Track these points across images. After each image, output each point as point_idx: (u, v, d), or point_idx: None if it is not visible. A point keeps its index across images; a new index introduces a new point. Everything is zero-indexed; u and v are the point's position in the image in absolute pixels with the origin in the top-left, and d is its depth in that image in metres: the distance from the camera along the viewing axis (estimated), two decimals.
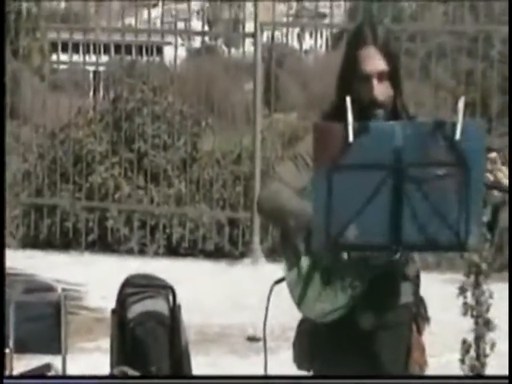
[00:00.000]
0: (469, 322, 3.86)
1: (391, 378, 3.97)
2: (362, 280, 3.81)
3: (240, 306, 9.02)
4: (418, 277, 3.94)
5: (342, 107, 3.64)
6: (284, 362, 4.01)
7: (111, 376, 4.53)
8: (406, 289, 3.90)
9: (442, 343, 4.08)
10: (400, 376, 3.96)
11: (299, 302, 3.90)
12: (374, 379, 3.96)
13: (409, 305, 3.91)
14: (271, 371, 4.07)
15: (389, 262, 3.75)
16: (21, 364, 5.12)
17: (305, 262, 3.88)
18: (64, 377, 4.65)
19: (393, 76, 3.90)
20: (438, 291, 4.13)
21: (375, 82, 3.86)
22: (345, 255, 3.76)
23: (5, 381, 4.18)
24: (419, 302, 3.96)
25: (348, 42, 4.03)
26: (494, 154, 3.74)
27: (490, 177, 3.71)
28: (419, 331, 3.95)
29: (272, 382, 4.07)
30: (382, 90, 3.87)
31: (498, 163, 3.74)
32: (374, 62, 3.87)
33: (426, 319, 3.99)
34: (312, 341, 3.98)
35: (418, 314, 3.95)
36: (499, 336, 3.97)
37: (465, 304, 3.86)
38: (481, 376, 4.04)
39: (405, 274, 3.89)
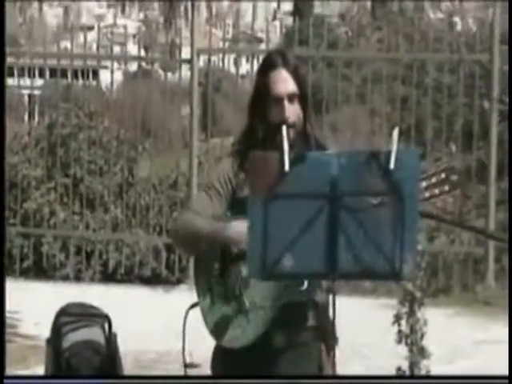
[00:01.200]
0: (403, 350, 3.91)
1: (391, 378, 4.01)
2: (273, 307, 3.86)
3: (177, 332, 8.99)
4: (327, 302, 3.94)
5: (254, 129, 3.86)
6: None
7: (112, 376, 4.51)
8: (314, 313, 3.95)
9: (377, 367, 4.10)
10: (400, 376, 4.02)
11: (210, 328, 3.96)
12: (373, 379, 3.99)
13: (316, 327, 3.95)
14: None
15: (298, 291, 3.80)
16: None
17: (217, 288, 3.92)
18: (64, 377, 4.58)
19: (302, 98, 3.97)
20: (374, 316, 4.16)
21: (286, 103, 3.92)
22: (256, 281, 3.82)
23: (5, 381, 4.21)
24: (328, 324, 3.96)
25: (260, 66, 4.09)
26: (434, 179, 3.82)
27: (432, 206, 3.77)
28: (328, 351, 3.97)
29: (272, 382, 4.09)
30: (292, 111, 3.93)
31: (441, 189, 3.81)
32: (284, 84, 3.94)
33: (335, 339, 4.03)
34: (224, 367, 4.03)
35: (327, 335, 3.99)
36: (434, 362, 4.00)
37: (399, 332, 3.90)
38: (481, 376, 4.24)
39: (313, 300, 3.93)
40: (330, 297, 3.90)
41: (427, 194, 3.87)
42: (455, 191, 3.91)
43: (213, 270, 3.93)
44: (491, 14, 12.15)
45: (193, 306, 4.01)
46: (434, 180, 3.87)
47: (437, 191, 3.87)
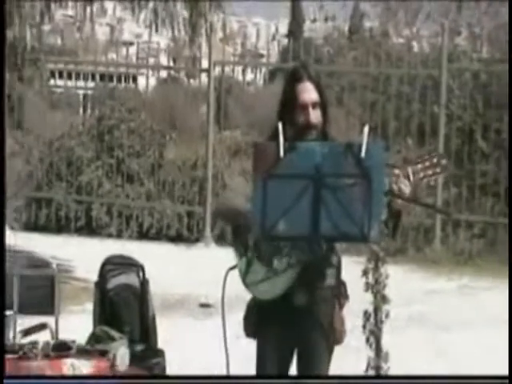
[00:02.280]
0: (369, 297, 3.88)
1: (391, 378, 3.93)
2: (296, 266, 3.80)
3: (195, 279, 9.00)
4: (339, 263, 3.93)
5: (282, 130, 3.66)
6: (232, 324, 3.99)
7: (112, 376, 4.28)
8: (330, 273, 3.89)
9: (350, 310, 4.07)
10: (400, 376, 3.89)
11: (247, 284, 3.89)
12: (374, 379, 3.94)
13: (332, 286, 3.89)
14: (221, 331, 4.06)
15: (316, 253, 3.77)
16: (24, 323, 5.07)
17: (251, 252, 3.86)
18: (64, 377, 4.29)
19: (322, 105, 3.91)
20: (347, 271, 4.12)
21: (310, 109, 3.86)
22: (284, 247, 3.79)
23: (5, 381, 3.90)
24: (341, 284, 3.94)
25: (287, 79, 4.02)
26: (397, 171, 3.77)
27: (395, 187, 3.74)
28: (341, 307, 3.93)
29: (272, 382, 3.96)
30: (315, 116, 3.87)
31: (401, 177, 3.77)
32: (309, 94, 3.87)
33: (346, 298, 3.99)
34: (256, 314, 3.95)
35: (340, 294, 3.94)
36: (393, 306, 3.97)
37: (366, 283, 3.87)
38: (481, 376, 4.09)
39: (329, 262, 3.88)
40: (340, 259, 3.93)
41: (422, 174, 3.83)
42: (444, 173, 3.89)
43: (248, 238, 3.87)
44: (440, 40, 12.11)
45: (232, 267, 3.92)
46: (427, 164, 3.84)
47: (430, 172, 3.84)
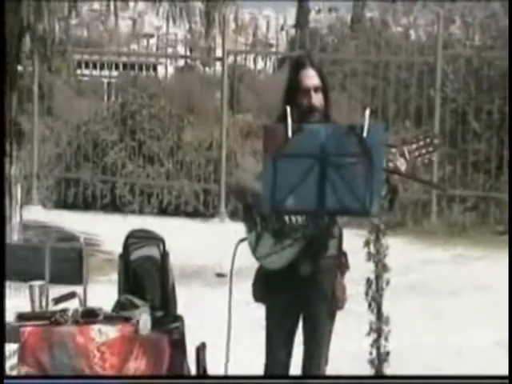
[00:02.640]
0: (371, 266, 3.88)
1: (391, 378, 3.89)
2: (301, 239, 3.81)
3: (210, 251, 9.01)
4: (341, 235, 3.94)
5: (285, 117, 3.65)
6: (241, 291, 4.00)
7: (111, 376, 4.23)
8: (332, 245, 3.89)
9: (352, 278, 4.07)
10: (400, 376, 3.88)
11: (256, 255, 3.90)
12: (374, 379, 3.90)
13: (334, 256, 3.89)
14: (233, 297, 4.07)
15: (319, 227, 3.77)
16: (54, 292, 5.08)
17: (260, 227, 3.87)
18: (65, 377, 4.18)
19: (324, 89, 3.91)
20: (350, 242, 4.12)
21: (312, 93, 3.87)
22: (289, 222, 3.79)
23: (5, 381, 3.72)
24: (342, 254, 3.95)
25: (292, 65, 4.04)
26: (393, 150, 3.78)
27: (391, 165, 3.74)
28: (342, 275, 3.94)
29: (272, 382, 3.87)
30: (317, 100, 3.87)
31: (397, 155, 3.78)
32: (311, 79, 3.88)
33: (347, 267, 4.00)
34: (265, 282, 3.96)
35: (341, 263, 3.95)
36: (392, 275, 3.97)
37: (368, 253, 3.87)
38: (481, 376, 4.01)
39: (331, 234, 3.88)
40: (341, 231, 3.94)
41: (417, 153, 3.84)
42: (437, 151, 3.90)
43: (257, 214, 3.88)
44: (436, 28, 12.05)
45: (242, 240, 3.94)
46: (421, 143, 3.84)
47: (424, 151, 3.84)
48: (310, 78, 3.87)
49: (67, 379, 4.05)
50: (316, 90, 3.87)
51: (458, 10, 15.42)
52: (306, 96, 3.86)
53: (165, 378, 4.29)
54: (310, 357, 3.96)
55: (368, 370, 3.86)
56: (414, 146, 3.85)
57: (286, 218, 3.82)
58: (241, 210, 4.09)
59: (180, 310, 4.84)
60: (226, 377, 3.84)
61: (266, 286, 3.96)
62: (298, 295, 3.90)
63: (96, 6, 10.23)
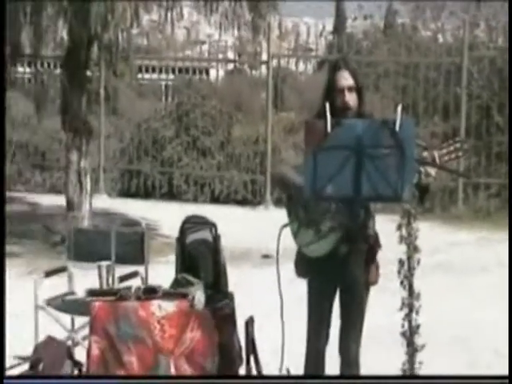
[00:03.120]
0: (403, 247, 3.85)
1: (391, 378, 3.75)
2: (338, 228, 3.81)
3: (257, 235, 9.03)
4: (373, 219, 3.93)
5: (325, 110, 3.62)
6: (285, 270, 4.00)
7: (111, 377, 4.03)
8: (365, 228, 3.88)
9: (386, 258, 4.05)
10: (400, 376, 3.76)
11: (298, 243, 3.92)
12: (373, 379, 3.76)
13: (368, 238, 3.89)
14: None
15: (355, 214, 3.75)
16: (118, 272, 5.13)
17: (302, 217, 3.87)
18: (65, 377, 3.96)
19: (358, 89, 3.90)
20: (384, 227, 4.10)
21: (347, 93, 3.86)
22: (328, 212, 3.77)
23: (5, 381, 3.48)
24: (375, 236, 3.95)
25: (329, 68, 4.09)
26: (425, 153, 3.79)
27: (423, 170, 3.73)
28: (375, 255, 3.94)
29: (273, 382, 3.72)
30: (351, 98, 3.87)
31: (428, 158, 3.78)
32: (346, 80, 3.88)
33: (379, 246, 3.99)
34: (305, 261, 3.97)
35: (375, 244, 3.94)
36: (422, 255, 3.93)
37: (400, 236, 3.83)
38: (481, 376, 3.97)
39: (365, 220, 3.87)
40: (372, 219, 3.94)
41: (446, 158, 3.82)
42: (465, 155, 3.88)
43: (298, 206, 3.88)
44: (462, 32, 11.93)
45: (285, 225, 3.94)
46: (451, 148, 3.82)
47: (453, 156, 3.83)
48: (345, 79, 3.87)
49: (67, 379, 3.83)
50: (350, 89, 3.86)
51: (483, 15, 15.20)
52: (341, 95, 3.85)
53: (166, 378, 4.13)
54: (346, 329, 3.96)
55: (400, 342, 3.83)
56: (445, 150, 3.82)
57: (325, 208, 3.81)
58: (284, 198, 4.10)
59: (230, 288, 4.86)
60: (227, 377, 3.69)
61: (307, 265, 3.96)
62: (335, 273, 3.90)
63: (155, 16, 10.26)
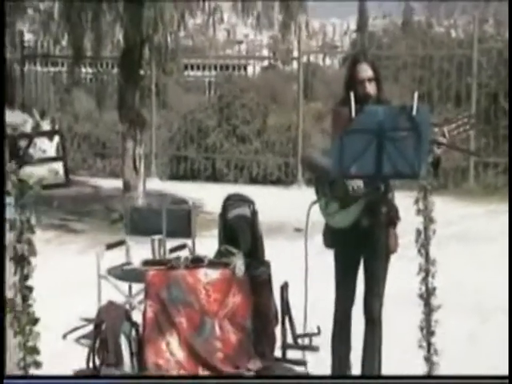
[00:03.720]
0: (420, 219, 3.80)
1: (391, 378, 3.50)
2: (360, 203, 3.81)
3: (290, 211, 9.00)
4: (393, 195, 3.91)
5: (347, 98, 3.58)
6: (316, 242, 3.99)
7: (111, 376, 3.76)
8: (386, 203, 3.81)
9: (403, 229, 4.00)
10: (401, 376, 3.56)
11: (325, 216, 3.91)
12: (373, 379, 3.56)
13: (388, 211, 3.83)
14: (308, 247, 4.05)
15: (376, 191, 3.72)
16: (169, 245, 5.14)
17: (328, 193, 3.87)
18: (65, 377, 3.58)
19: (377, 80, 3.87)
20: (402, 201, 4.05)
21: (367, 83, 3.82)
22: (352, 190, 3.76)
23: (5, 381, 3.20)
24: (395, 209, 3.93)
25: (350, 61, 4.00)
26: (436, 129, 3.75)
27: (439, 133, 3.70)
28: (394, 226, 3.92)
29: (274, 382, 3.38)
30: (371, 88, 3.83)
31: (438, 134, 3.73)
32: (366, 72, 3.84)
33: (398, 218, 3.95)
34: (332, 233, 3.97)
35: (394, 216, 3.92)
36: (437, 226, 3.87)
37: (418, 209, 3.78)
38: (481, 376, 3.61)
39: (386, 195, 3.80)
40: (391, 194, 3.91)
41: (455, 132, 3.76)
42: (473, 129, 3.84)
43: (326, 185, 3.88)
44: (472, 27, 11.74)
45: (314, 202, 3.94)
46: (460, 122, 3.76)
47: (461, 129, 3.77)
48: (365, 70, 3.83)
49: (67, 379, 3.49)
50: (370, 80, 3.83)
51: (491, 11, 14.94)
52: (362, 85, 3.82)
53: (166, 378, 3.85)
54: (369, 292, 3.95)
55: (418, 303, 3.79)
56: (454, 125, 3.76)
57: (349, 186, 3.78)
58: (313, 178, 4.09)
59: (267, 257, 4.85)
60: (228, 377, 3.43)
61: (333, 236, 3.95)
62: (358, 242, 3.88)
63: (198, 20, 10.27)
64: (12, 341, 3.28)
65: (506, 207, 9.43)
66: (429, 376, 3.50)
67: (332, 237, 3.96)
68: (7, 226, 3.30)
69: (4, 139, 3.18)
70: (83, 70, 13.36)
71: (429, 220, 3.71)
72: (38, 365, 3.32)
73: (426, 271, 3.74)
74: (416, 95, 3.39)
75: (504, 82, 11.54)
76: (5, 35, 7.85)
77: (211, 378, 3.61)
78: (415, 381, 3.33)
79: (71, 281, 6.27)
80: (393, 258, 3.91)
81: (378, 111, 3.45)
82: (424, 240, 3.72)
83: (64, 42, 9.69)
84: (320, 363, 4.35)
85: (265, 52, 18.09)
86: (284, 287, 4.67)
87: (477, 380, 3.34)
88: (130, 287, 5.15)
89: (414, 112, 3.36)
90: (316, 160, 3.95)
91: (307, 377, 3.42)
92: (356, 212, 3.82)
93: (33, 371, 3.30)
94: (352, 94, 3.47)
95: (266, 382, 3.28)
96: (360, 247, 3.91)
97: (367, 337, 3.95)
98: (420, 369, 3.71)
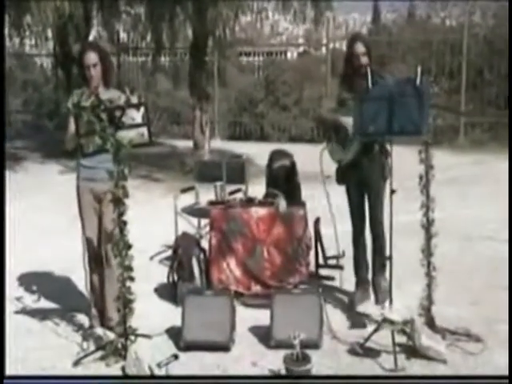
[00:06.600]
0: (422, 167, 3.65)
1: (391, 378, 2.80)
2: (359, 145, 3.81)
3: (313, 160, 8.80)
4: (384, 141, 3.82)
5: (346, 73, 3.81)
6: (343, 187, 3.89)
7: (111, 377, 2.95)
8: (381, 146, 3.86)
9: (410, 175, 3.84)
10: (400, 376, 2.83)
11: (332, 157, 4.00)
12: (373, 379, 2.81)
13: (382, 151, 3.87)
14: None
15: (373, 137, 3.63)
16: (228, 189, 5.06)
17: (333, 139, 3.93)
18: (65, 377, 2.88)
19: (368, 54, 3.83)
20: (409, 154, 3.87)
21: (361, 57, 3.80)
22: (351, 135, 3.74)
23: (5, 381, 2.61)
24: (386, 150, 3.87)
25: (349, 40, 3.92)
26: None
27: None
28: (387, 159, 3.85)
29: (274, 382, 2.67)
30: (364, 60, 3.81)
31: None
32: (360, 48, 3.82)
33: (389, 155, 3.81)
34: (341, 171, 4.04)
35: (387, 154, 3.84)
36: (435, 172, 3.70)
37: (420, 159, 3.64)
38: (481, 376, 2.86)
39: (381, 142, 3.83)
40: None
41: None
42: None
43: (333, 133, 3.92)
44: (463, 18, 11.25)
45: (324, 149, 3.99)
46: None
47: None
48: (360, 47, 3.82)
49: (68, 379, 2.80)
50: (363, 54, 3.81)
51: (478, 4, 14.26)
52: (357, 58, 3.81)
53: (166, 378, 2.94)
54: (372, 217, 3.97)
55: (420, 231, 3.66)
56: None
57: (348, 133, 3.80)
58: (323, 134, 4.20)
59: (303, 198, 4.77)
60: (228, 377, 2.70)
61: (341, 172, 4.02)
62: (361, 177, 3.94)
63: (249, 18, 10.14)
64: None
65: (489, 158, 9.19)
66: (429, 376, 2.85)
67: (340, 173, 4.02)
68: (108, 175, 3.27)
69: (4, 139, 3.00)
70: (162, 58, 13.28)
71: (429, 166, 3.59)
72: (131, 279, 3.32)
73: (427, 207, 3.63)
74: (419, 70, 3.31)
75: (488, 60, 11.13)
76: (4, 35, 7.76)
77: (211, 378, 2.83)
78: (415, 381, 2.72)
79: (155, 217, 6.29)
80: (399, 197, 3.75)
81: (389, 82, 3.44)
82: (425, 183, 3.60)
83: (148, 38, 9.74)
84: (344, 279, 4.33)
85: (300, 41, 17.62)
86: (317, 221, 4.59)
87: (477, 380, 2.73)
88: (198, 221, 5.13)
89: (418, 83, 3.28)
90: (325, 116, 4.06)
91: (307, 377, 2.64)
92: (354, 149, 3.83)
93: (129, 284, 3.29)
94: (369, 69, 3.42)
95: (267, 382, 2.66)
96: (362, 181, 3.94)
97: (375, 246, 4.01)
98: (422, 282, 3.63)
